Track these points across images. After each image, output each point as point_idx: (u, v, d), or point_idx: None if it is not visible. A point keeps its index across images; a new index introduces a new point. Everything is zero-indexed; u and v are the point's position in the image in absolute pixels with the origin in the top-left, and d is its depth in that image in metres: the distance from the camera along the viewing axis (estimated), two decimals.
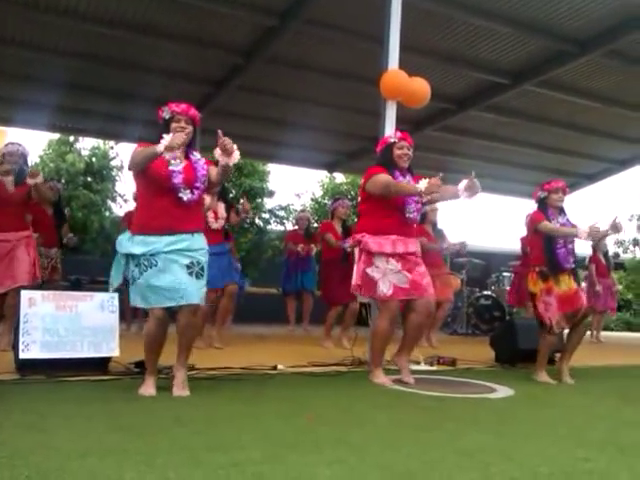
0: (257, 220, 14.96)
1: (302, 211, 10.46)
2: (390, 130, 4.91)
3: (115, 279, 3.48)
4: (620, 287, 14.13)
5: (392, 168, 4.13)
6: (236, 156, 3.39)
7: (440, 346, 6.81)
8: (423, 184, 3.82)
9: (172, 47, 7.46)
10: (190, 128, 3.44)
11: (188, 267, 3.33)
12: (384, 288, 3.98)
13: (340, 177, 16.27)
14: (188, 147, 3.49)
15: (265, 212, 15.22)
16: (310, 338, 7.37)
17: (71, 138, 13.66)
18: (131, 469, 1.91)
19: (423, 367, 4.96)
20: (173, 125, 3.40)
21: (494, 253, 13.20)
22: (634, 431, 2.84)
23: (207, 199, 5.26)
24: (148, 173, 3.36)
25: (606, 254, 9.42)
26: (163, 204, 3.35)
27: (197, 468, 1.95)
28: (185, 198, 3.37)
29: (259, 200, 14.91)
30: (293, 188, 38.61)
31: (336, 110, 9.45)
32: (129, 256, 3.37)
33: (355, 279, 4.12)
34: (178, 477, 1.85)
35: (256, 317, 9.25)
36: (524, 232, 7.86)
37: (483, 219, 44.57)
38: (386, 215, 4.09)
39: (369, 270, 4.04)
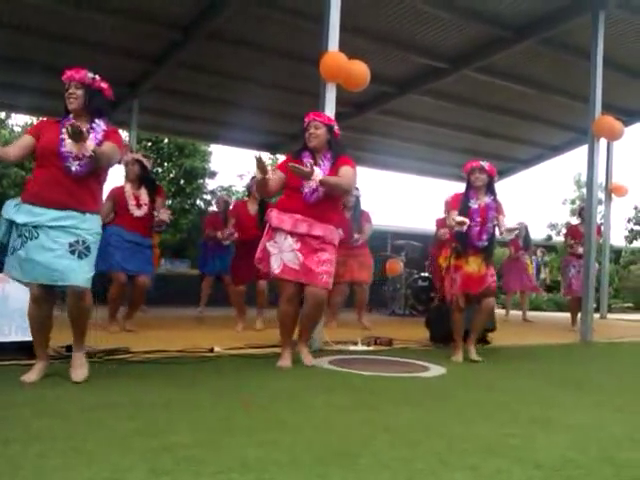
0: (198, 201, 14.80)
1: (223, 191, 10.35)
2: (330, 112, 4.93)
3: None
4: (546, 271, 14.62)
5: (302, 150, 4.08)
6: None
7: (377, 327, 6.91)
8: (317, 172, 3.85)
9: (109, 21, 7.25)
10: (79, 92, 3.27)
11: (71, 245, 3.12)
12: (274, 264, 3.94)
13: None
14: (92, 115, 3.29)
15: (206, 193, 15.07)
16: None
17: (2, 114, 13.13)
18: (57, 455, 1.87)
19: (360, 347, 5.03)
20: (66, 94, 3.28)
21: (432, 236, 13.40)
22: (556, 409, 2.96)
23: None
24: (40, 141, 3.19)
25: (526, 237, 9.53)
26: (53, 175, 3.15)
27: (127, 452, 1.92)
28: (72, 169, 3.16)
29: (200, 181, 14.76)
30: (235, 169, 38.27)
31: (278, 90, 9.39)
32: (13, 224, 3.15)
33: (257, 252, 4.08)
34: (106, 461, 1.82)
35: (196, 299, 9.12)
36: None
37: (421, 202, 45.47)
38: (289, 194, 4.06)
39: (268, 244, 3.99)
